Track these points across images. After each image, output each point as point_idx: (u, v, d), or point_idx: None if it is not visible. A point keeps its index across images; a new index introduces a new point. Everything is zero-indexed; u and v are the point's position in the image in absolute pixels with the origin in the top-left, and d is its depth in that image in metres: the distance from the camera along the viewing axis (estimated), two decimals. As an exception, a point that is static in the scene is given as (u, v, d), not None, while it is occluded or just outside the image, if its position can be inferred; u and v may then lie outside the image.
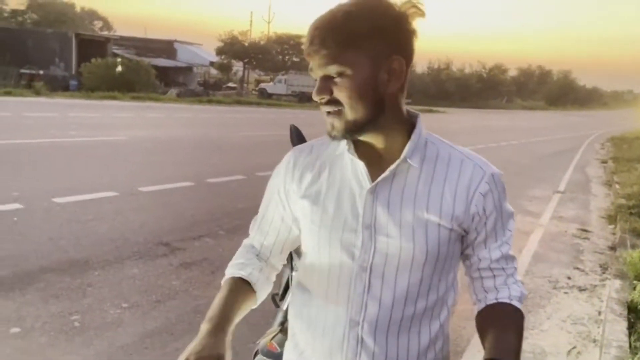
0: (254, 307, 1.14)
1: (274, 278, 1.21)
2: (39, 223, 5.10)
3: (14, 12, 43.52)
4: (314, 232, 1.07)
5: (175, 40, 44.41)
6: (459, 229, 1.04)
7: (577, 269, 5.27)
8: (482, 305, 1.09)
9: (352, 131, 0.99)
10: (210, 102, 27.99)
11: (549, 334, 3.73)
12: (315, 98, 0.97)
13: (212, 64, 47.17)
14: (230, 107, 26.25)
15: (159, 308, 3.58)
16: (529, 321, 3.89)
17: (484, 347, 1.00)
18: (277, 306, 1.83)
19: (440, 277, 1.06)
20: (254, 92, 43.72)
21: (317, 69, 0.97)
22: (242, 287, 1.11)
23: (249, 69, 49.94)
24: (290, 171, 1.11)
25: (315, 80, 0.99)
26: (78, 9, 51.24)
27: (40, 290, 3.68)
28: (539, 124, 36.07)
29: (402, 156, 1.01)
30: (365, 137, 1.01)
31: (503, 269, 1.09)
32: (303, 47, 1.00)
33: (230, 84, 46.04)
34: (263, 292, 1.16)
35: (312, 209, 1.06)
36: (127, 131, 12.62)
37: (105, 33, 48.31)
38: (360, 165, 1.02)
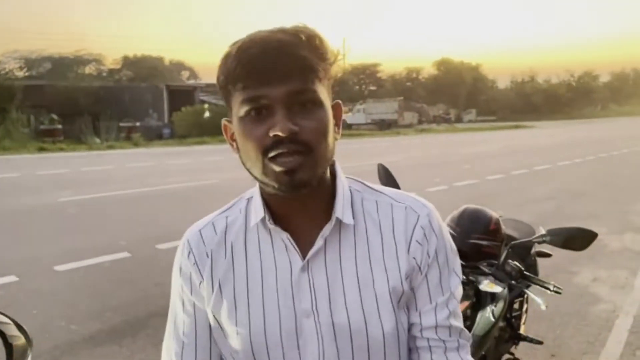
0: None
1: None
2: (145, 270, 5.42)
3: (111, 71, 47.67)
4: (244, 337, 0.85)
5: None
6: (409, 288, 0.86)
7: None
8: None
9: (315, 179, 0.81)
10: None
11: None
12: (281, 132, 0.76)
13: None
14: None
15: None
16: (655, 354, 3.54)
17: None
18: None
19: (403, 355, 0.89)
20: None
21: (280, 99, 0.77)
22: None
23: (328, 101, 50.97)
24: (193, 263, 0.88)
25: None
26: (167, 62, 55.18)
27: (151, 336, 3.87)
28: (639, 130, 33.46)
29: (333, 217, 0.84)
30: (304, 191, 0.81)
31: (442, 341, 0.87)
32: (247, 73, 0.77)
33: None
34: None
35: (236, 310, 0.85)
36: (218, 174, 13.20)
37: (192, 82, 51.48)
38: (284, 236, 0.84)
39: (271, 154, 0.78)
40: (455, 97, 58.13)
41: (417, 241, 0.86)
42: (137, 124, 28.47)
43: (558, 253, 2.40)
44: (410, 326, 0.89)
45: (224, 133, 0.89)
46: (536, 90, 62.19)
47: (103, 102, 30.16)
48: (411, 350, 0.90)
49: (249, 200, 0.91)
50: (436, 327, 0.87)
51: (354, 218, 0.86)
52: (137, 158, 17.68)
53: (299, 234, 0.85)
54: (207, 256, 0.88)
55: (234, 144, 0.86)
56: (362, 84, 54.02)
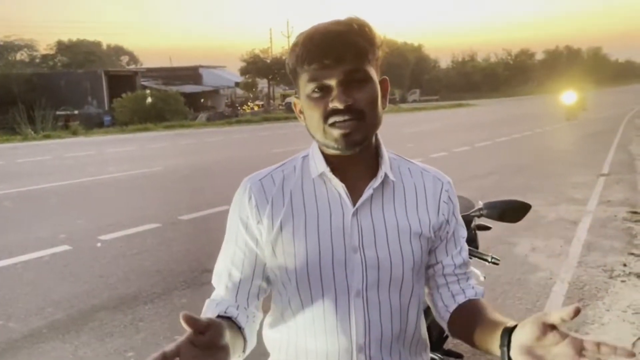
0: (240, 357, 1.03)
1: (257, 328, 1.13)
2: (88, 262, 5.25)
3: (45, 57, 45.35)
4: (302, 264, 1.03)
5: (200, 66, 45.32)
6: (434, 237, 1.09)
7: (633, 254, 5.06)
8: (453, 307, 1.12)
9: (366, 140, 1.01)
10: (239, 122, 28.38)
11: (610, 327, 3.58)
12: (338, 104, 0.95)
13: (237, 84, 47.89)
14: (259, 125, 26.52)
15: (211, 337, 3.60)
16: (587, 315, 3.75)
17: (482, 333, 1.00)
18: None
19: (420, 285, 1.11)
20: (280, 107, 44.09)
21: (337, 78, 0.96)
22: (232, 326, 1.01)
23: (274, 85, 50.46)
24: (254, 206, 1.05)
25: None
26: (105, 46, 52.99)
27: (95, 330, 3.76)
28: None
29: (382, 173, 1.04)
30: (358, 149, 1.01)
31: (465, 273, 1.14)
32: (310, 54, 0.96)
33: (257, 102, 46.54)
34: (251, 342, 1.08)
35: (295, 243, 1.03)
36: (162, 161, 12.90)
37: (132, 67, 49.74)
38: (341, 187, 1.03)
39: (330, 121, 0.97)
40: (399, 77, 58.90)
41: (444, 202, 1.09)
42: (76, 112, 27.33)
43: (498, 225, 2.48)
44: (442, 267, 1.12)
45: (293, 108, 1.09)
46: (476, 69, 63.98)
47: (37, 89, 28.74)
48: (439, 286, 1.13)
49: (304, 158, 1.09)
50: (462, 264, 1.13)
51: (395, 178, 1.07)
52: (76, 147, 16.98)
53: (349, 186, 1.04)
54: (267, 202, 1.05)
55: (302, 116, 1.05)
56: (307, 66, 54.01)
